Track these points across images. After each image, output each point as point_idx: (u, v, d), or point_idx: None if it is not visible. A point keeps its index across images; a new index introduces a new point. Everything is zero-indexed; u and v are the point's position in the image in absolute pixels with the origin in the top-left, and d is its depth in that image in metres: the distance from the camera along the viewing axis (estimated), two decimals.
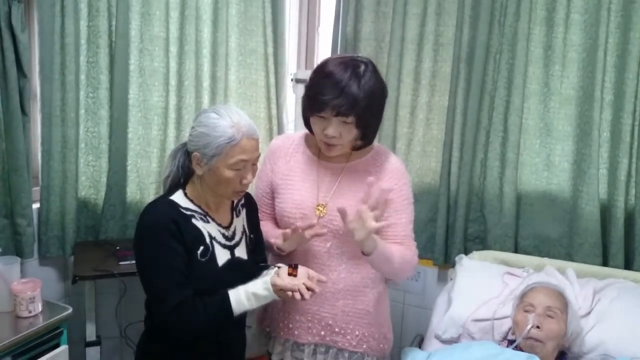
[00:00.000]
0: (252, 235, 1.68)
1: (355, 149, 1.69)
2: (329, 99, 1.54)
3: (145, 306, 1.62)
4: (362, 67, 1.58)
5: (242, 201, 1.68)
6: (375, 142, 1.79)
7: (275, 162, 1.76)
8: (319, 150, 1.71)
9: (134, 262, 1.56)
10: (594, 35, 2.15)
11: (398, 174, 1.73)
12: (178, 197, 1.55)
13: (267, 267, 1.65)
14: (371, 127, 1.65)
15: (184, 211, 1.52)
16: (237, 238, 1.62)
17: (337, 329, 1.73)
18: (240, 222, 1.65)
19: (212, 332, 1.56)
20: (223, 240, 1.58)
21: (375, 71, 1.61)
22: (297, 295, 1.45)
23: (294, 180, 1.73)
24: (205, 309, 1.48)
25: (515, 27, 2.25)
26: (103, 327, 2.37)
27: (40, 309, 1.89)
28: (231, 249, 1.60)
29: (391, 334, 1.85)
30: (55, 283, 2.42)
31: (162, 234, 1.47)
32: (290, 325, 1.75)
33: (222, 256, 1.56)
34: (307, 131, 1.76)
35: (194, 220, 1.53)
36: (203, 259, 1.52)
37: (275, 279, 1.50)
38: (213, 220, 1.57)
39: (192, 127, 1.53)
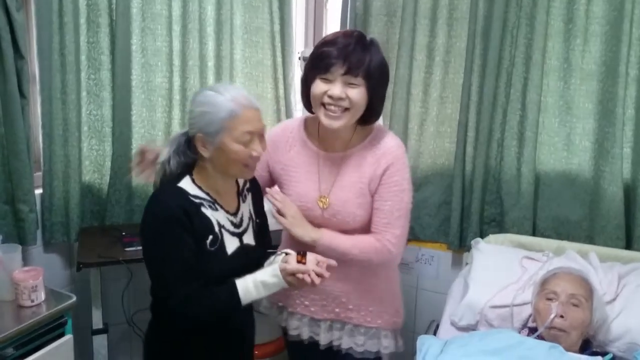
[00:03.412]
0: (257, 220, 1.66)
1: (362, 122, 1.65)
2: (335, 59, 1.55)
3: (150, 293, 1.60)
4: (369, 39, 1.61)
5: (247, 185, 1.66)
6: (375, 125, 1.74)
7: (275, 151, 1.75)
8: (319, 140, 1.70)
9: (140, 248, 1.56)
10: (618, 6, 2.07)
11: (389, 158, 1.65)
12: (186, 183, 1.51)
13: (274, 254, 1.65)
14: (378, 97, 1.63)
15: (193, 199, 1.49)
16: (244, 224, 1.60)
17: (350, 306, 1.76)
18: (246, 208, 1.63)
19: (221, 320, 1.55)
20: (232, 228, 1.56)
21: (380, 47, 1.64)
22: (308, 279, 1.45)
23: (297, 172, 1.72)
24: (212, 300, 1.47)
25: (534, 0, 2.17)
26: (110, 314, 2.34)
27: (43, 298, 1.85)
28: (239, 236, 1.58)
29: (402, 307, 1.86)
30: (61, 270, 2.38)
31: (172, 226, 1.44)
32: (307, 303, 1.79)
33: (231, 244, 1.54)
34: (304, 119, 1.76)
35: (203, 209, 1.50)
36: (212, 249, 1.50)
37: (284, 264, 1.49)
38: (221, 207, 1.54)
39: (191, 110, 1.50)
